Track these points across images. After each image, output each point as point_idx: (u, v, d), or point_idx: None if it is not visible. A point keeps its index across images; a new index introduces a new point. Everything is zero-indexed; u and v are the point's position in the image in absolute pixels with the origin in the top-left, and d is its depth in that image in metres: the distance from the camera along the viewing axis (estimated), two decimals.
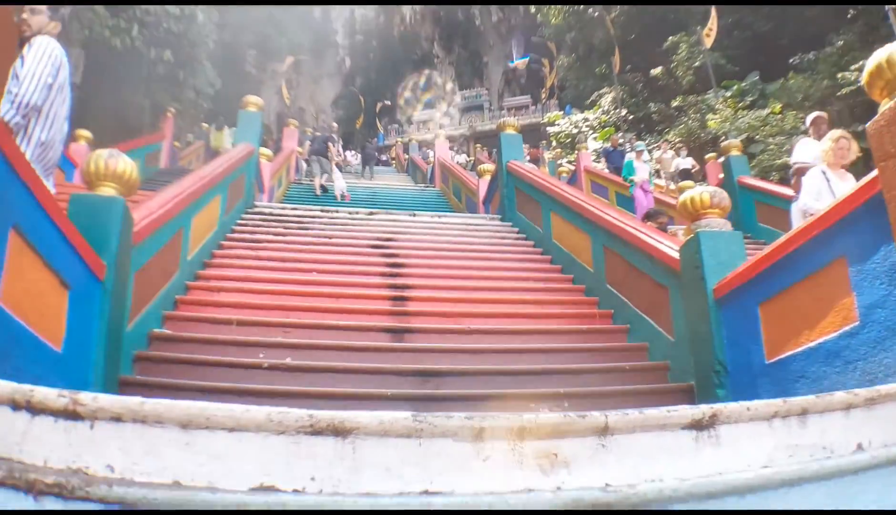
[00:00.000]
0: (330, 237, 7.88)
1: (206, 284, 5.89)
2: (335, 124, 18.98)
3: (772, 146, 14.60)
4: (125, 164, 3.90)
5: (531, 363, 4.92)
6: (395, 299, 6.04)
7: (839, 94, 14.27)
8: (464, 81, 52.15)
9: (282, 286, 6.00)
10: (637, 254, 5.47)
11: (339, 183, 15.51)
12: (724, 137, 17.68)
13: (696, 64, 22.57)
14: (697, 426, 2.75)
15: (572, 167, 22.72)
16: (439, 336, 5.33)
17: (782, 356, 3.83)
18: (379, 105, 49.14)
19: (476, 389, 4.42)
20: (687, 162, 15.12)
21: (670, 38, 24.43)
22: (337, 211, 9.37)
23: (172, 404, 2.05)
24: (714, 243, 4.42)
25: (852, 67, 14.30)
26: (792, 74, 17.13)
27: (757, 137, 15.15)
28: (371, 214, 9.45)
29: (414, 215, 9.78)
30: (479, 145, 36.57)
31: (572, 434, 2.50)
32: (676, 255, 4.75)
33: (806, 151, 7.64)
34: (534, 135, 36.10)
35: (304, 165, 18.27)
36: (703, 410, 2.74)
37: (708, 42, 21.19)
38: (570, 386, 4.52)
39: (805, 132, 8.38)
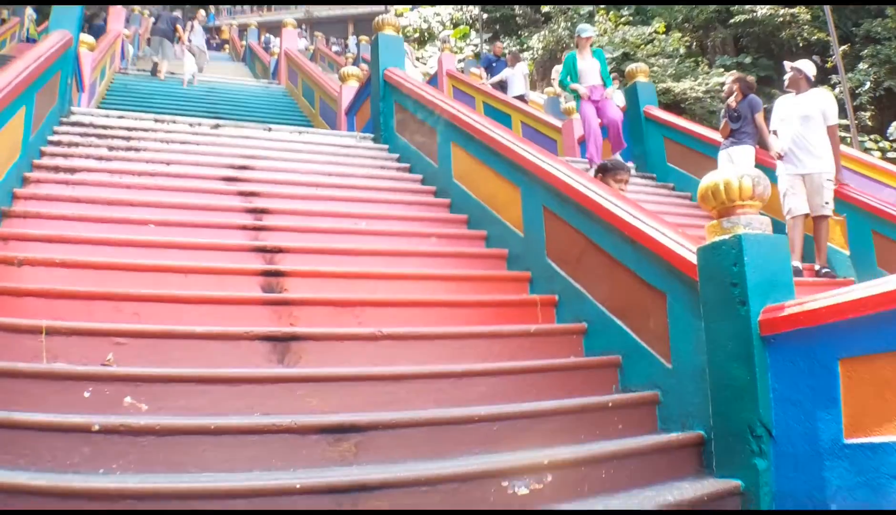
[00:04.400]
0: (168, 163, 5.89)
1: (4, 252, 3.92)
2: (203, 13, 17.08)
3: (655, 68, 13.61)
4: None
5: (479, 400, 3.46)
6: (268, 274, 4.31)
7: (730, 22, 13.39)
8: None
9: (110, 256, 4.11)
10: (610, 235, 4.06)
11: (190, 68, 14.15)
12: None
13: None
14: None
15: (428, 68, 20.85)
16: (340, 347, 3.70)
17: (875, 439, 2.66)
18: None
19: (418, 461, 2.93)
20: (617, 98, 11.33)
21: None
22: (174, 121, 7.25)
23: None
24: (760, 253, 3.11)
25: None
26: None
27: (638, 55, 14.12)
28: (217, 127, 7.39)
29: (270, 130, 7.79)
30: (319, 34, 33.71)
31: None
32: (692, 257, 3.42)
33: (784, 110, 6.69)
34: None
35: (131, 50, 16.17)
36: None
37: None
38: (549, 442, 3.13)
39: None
